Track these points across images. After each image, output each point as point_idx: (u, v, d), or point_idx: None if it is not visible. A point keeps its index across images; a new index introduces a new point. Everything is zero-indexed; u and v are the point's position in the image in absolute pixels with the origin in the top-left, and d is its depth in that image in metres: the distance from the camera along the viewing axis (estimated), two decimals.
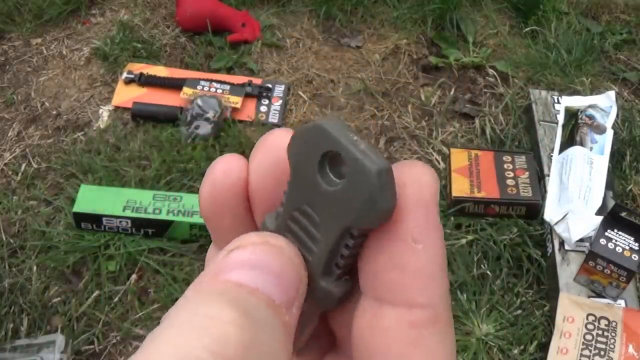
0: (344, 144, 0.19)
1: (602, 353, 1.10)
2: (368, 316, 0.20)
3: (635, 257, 1.16)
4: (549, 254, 1.28)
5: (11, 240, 1.30)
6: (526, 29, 1.78)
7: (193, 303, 0.18)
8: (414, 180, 0.20)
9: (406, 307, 0.19)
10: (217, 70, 1.66)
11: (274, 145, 0.22)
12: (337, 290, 0.21)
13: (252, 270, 0.19)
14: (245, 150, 1.44)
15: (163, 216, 1.29)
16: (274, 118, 1.56)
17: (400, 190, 0.20)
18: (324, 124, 0.20)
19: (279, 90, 1.61)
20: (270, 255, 0.19)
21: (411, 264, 0.19)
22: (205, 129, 1.45)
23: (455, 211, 1.34)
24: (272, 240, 0.20)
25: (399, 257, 0.20)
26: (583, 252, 1.23)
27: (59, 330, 1.18)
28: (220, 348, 0.17)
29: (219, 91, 1.56)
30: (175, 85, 1.57)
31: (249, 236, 0.20)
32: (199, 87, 1.56)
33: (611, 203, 1.28)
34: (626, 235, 1.19)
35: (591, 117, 1.45)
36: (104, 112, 1.56)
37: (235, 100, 1.55)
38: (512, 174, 1.38)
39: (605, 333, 1.13)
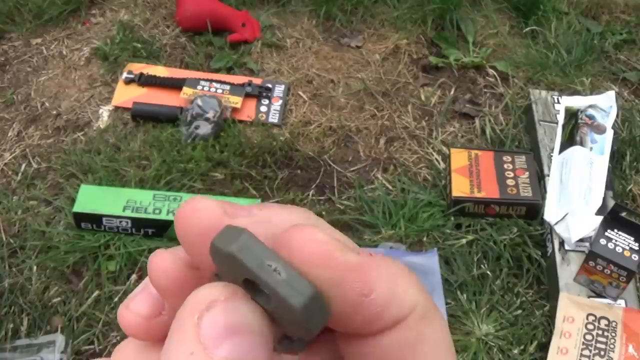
0: (262, 276, 0.18)
1: (602, 353, 1.10)
2: None
3: (635, 257, 1.16)
4: (549, 254, 1.28)
5: (11, 240, 1.30)
6: (526, 29, 1.78)
7: None
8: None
9: None
10: (217, 70, 1.66)
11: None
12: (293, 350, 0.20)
13: (236, 337, 0.18)
14: (245, 150, 1.44)
15: (163, 216, 1.29)
16: (274, 118, 1.56)
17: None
18: (235, 252, 0.18)
19: (279, 90, 1.61)
20: (243, 309, 0.18)
21: None
22: (205, 129, 1.45)
23: (455, 211, 1.34)
24: (231, 293, 0.18)
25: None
26: (583, 252, 1.23)
27: (59, 330, 1.17)
28: None
29: (219, 91, 1.56)
30: (175, 85, 1.57)
31: (210, 291, 0.18)
32: (199, 87, 1.56)
33: (611, 203, 1.28)
34: (626, 235, 1.19)
35: (591, 117, 1.45)
36: (104, 112, 1.56)
37: (235, 100, 1.55)
38: (512, 174, 1.38)
39: (605, 333, 1.13)
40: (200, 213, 0.20)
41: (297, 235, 0.19)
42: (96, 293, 1.22)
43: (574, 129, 1.44)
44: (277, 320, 0.19)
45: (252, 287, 0.19)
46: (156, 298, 0.22)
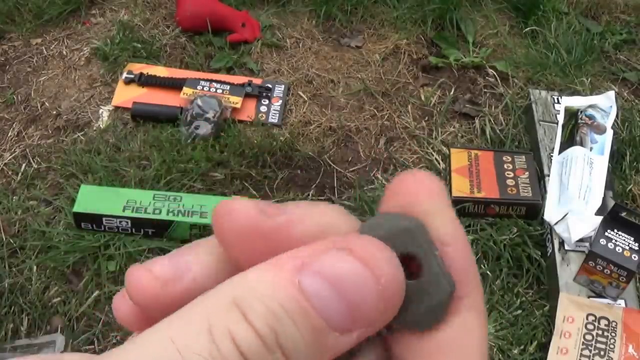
0: (428, 255, 0.20)
1: (602, 353, 1.10)
2: None
3: (635, 257, 1.16)
4: (549, 254, 1.28)
5: (11, 240, 1.30)
6: (526, 29, 1.78)
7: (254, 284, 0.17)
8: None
9: None
10: (217, 70, 1.66)
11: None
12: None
13: (329, 287, 0.17)
14: (244, 150, 1.44)
15: (163, 216, 1.29)
16: (274, 118, 1.56)
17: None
18: (413, 227, 0.20)
19: (279, 90, 1.61)
20: (363, 281, 0.18)
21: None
22: (205, 129, 1.45)
23: (455, 211, 1.34)
24: (374, 252, 0.18)
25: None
26: (583, 252, 1.23)
27: (59, 330, 1.18)
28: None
29: (219, 91, 1.56)
30: (175, 85, 1.57)
31: (359, 242, 0.18)
32: (199, 87, 1.56)
33: (611, 203, 1.28)
34: (626, 236, 1.19)
35: (591, 117, 1.45)
36: (104, 112, 1.56)
37: (235, 100, 1.55)
38: (512, 174, 1.38)
39: (605, 333, 1.13)
40: (237, 214, 0.19)
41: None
42: (96, 293, 1.22)
43: (574, 129, 1.44)
44: (409, 301, 0.20)
45: (410, 265, 0.20)
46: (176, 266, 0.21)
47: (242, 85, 1.59)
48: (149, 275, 0.20)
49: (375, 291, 0.18)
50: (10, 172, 1.44)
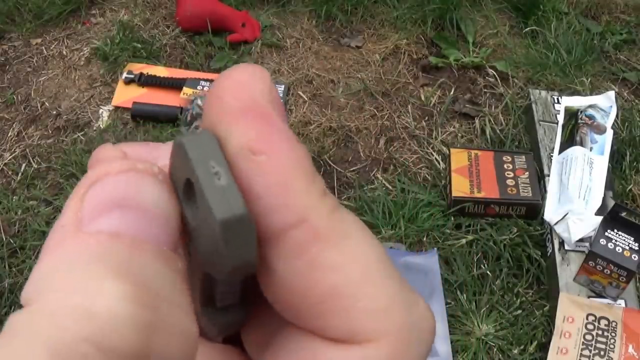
0: (199, 175, 0.16)
1: (602, 353, 1.10)
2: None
3: (635, 257, 1.16)
4: (549, 254, 1.28)
5: (11, 240, 1.30)
6: (526, 29, 1.78)
7: (62, 277, 0.14)
8: (233, 87, 0.16)
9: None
10: (217, 70, 1.66)
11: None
12: (219, 322, 0.17)
13: (122, 210, 0.15)
14: None
15: None
16: None
17: (219, 103, 0.16)
18: (185, 143, 0.16)
19: (279, 90, 1.61)
20: (140, 184, 0.15)
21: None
22: None
23: (455, 211, 1.34)
24: (139, 164, 0.16)
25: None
26: (583, 252, 1.23)
27: None
28: (112, 337, 0.13)
29: None
30: (175, 85, 1.57)
31: (109, 163, 0.16)
32: (199, 87, 1.56)
33: (611, 203, 1.28)
34: (626, 236, 1.19)
35: (591, 117, 1.45)
36: (104, 112, 1.56)
37: None
38: (512, 174, 1.38)
39: (605, 333, 1.13)
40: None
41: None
42: None
43: (574, 129, 1.44)
44: (196, 247, 0.16)
45: (189, 193, 0.16)
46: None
47: None
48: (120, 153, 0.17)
49: (157, 185, 0.15)
50: (10, 172, 1.44)
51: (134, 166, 0.15)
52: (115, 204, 0.15)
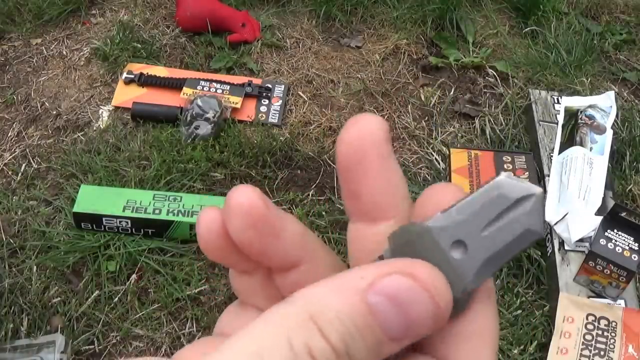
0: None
1: (602, 353, 1.10)
2: None
3: (635, 257, 1.16)
4: (549, 254, 1.28)
5: (11, 240, 1.30)
6: (526, 29, 1.78)
7: (327, 299, 0.19)
8: None
9: None
10: (217, 70, 1.66)
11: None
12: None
13: (392, 305, 0.20)
14: (244, 150, 1.44)
15: (163, 216, 1.29)
16: (273, 118, 1.56)
17: None
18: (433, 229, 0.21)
19: (279, 90, 1.61)
20: (421, 300, 0.20)
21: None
22: (205, 129, 1.45)
23: None
24: (434, 280, 0.20)
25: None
26: (583, 252, 1.23)
27: (59, 330, 1.17)
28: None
29: (219, 91, 1.56)
30: (175, 85, 1.57)
31: (421, 269, 0.20)
32: (199, 87, 1.56)
33: (611, 203, 1.28)
34: (626, 236, 1.19)
35: (591, 117, 1.45)
36: (104, 112, 1.56)
37: (235, 100, 1.55)
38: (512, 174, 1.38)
39: (605, 333, 1.13)
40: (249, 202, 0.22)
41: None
42: (96, 293, 1.22)
43: (574, 129, 1.44)
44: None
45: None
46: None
47: (242, 85, 1.59)
48: (258, 192, 0.22)
49: (432, 311, 0.20)
50: (10, 172, 1.44)
51: (427, 281, 0.20)
52: (395, 299, 0.20)
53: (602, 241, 1.18)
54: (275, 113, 1.57)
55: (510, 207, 0.20)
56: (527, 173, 1.38)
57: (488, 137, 1.53)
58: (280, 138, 1.49)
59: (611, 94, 1.52)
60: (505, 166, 1.40)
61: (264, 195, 0.22)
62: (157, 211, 1.29)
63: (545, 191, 1.36)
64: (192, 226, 1.28)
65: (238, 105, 1.54)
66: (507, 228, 0.20)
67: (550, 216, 1.31)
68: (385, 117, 1.58)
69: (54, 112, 1.56)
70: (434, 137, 1.53)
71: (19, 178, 1.42)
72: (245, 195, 0.21)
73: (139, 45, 1.67)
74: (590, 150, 1.39)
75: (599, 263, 1.17)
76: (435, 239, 0.21)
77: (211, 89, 1.56)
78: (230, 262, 0.23)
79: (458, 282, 0.20)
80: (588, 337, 1.13)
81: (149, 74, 1.60)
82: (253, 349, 0.19)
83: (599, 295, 1.20)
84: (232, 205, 0.21)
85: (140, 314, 1.21)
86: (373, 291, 0.20)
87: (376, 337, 0.19)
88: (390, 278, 0.20)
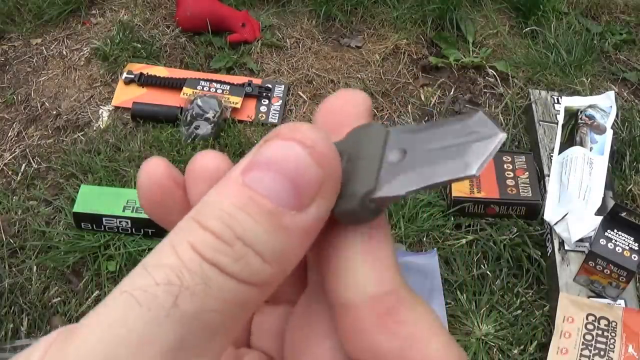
0: (371, 153, 0.21)
1: (602, 353, 1.10)
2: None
3: (635, 257, 1.16)
4: (548, 254, 1.28)
5: (11, 240, 1.30)
6: (526, 29, 1.78)
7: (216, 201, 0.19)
8: None
9: None
10: (217, 70, 1.66)
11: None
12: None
13: (268, 172, 0.18)
14: (245, 150, 1.44)
15: None
16: (273, 118, 1.56)
17: None
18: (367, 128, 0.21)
19: (279, 90, 1.61)
20: (296, 154, 0.18)
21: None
22: (205, 129, 1.45)
23: (455, 211, 1.34)
24: (309, 135, 0.19)
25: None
26: (583, 252, 1.23)
27: None
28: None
29: (219, 91, 1.56)
30: (175, 85, 1.57)
31: (284, 128, 0.19)
32: (199, 87, 1.56)
33: (611, 203, 1.28)
34: (626, 236, 1.19)
35: (591, 117, 1.45)
36: (104, 112, 1.56)
37: (235, 100, 1.55)
38: (512, 174, 1.38)
39: (605, 333, 1.13)
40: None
41: None
42: (96, 293, 1.22)
43: (574, 129, 1.44)
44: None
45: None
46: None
47: (242, 85, 1.59)
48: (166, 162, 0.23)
49: (310, 161, 0.18)
50: (10, 172, 1.44)
51: (295, 137, 0.19)
52: (265, 165, 0.18)
53: (602, 241, 1.18)
54: (275, 113, 1.57)
55: (468, 139, 0.19)
56: (527, 173, 1.38)
57: None
58: None
59: (611, 94, 1.52)
60: (505, 166, 1.40)
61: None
62: None
63: (545, 191, 1.36)
64: None
65: (238, 105, 1.54)
66: (450, 154, 0.19)
67: (550, 216, 1.31)
68: (385, 117, 1.58)
69: (54, 112, 1.56)
70: None
71: (19, 178, 1.42)
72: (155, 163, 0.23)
73: (139, 45, 1.67)
74: (590, 150, 1.39)
75: (599, 263, 1.17)
76: (383, 139, 0.20)
77: (211, 89, 1.56)
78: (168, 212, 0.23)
79: (371, 180, 0.19)
80: (588, 337, 1.13)
81: (149, 74, 1.60)
82: (141, 264, 0.18)
83: (599, 295, 1.20)
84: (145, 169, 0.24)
85: None
86: (248, 169, 0.19)
87: (264, 208, 0.18)
88: (260, 150, 0.19)
